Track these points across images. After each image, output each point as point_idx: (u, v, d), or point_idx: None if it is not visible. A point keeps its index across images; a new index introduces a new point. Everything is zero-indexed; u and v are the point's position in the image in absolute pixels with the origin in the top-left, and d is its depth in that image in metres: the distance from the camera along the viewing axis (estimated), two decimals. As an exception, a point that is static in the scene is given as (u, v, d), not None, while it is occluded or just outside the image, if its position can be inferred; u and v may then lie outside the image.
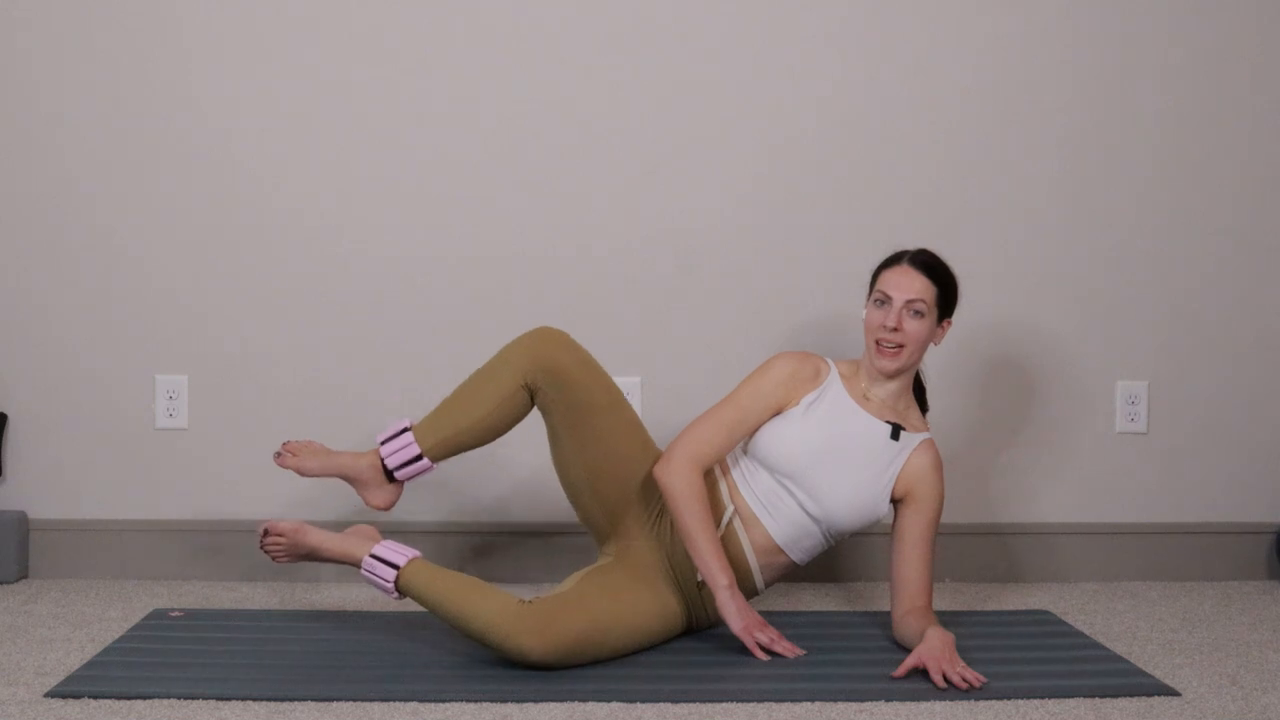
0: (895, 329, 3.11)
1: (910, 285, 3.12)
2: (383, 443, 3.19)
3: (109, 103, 3.69)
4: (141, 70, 3.69)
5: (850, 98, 3.79)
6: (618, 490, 3.19)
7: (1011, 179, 3.82)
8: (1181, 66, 3.83)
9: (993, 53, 3.80)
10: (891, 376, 3.17)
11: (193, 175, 3.71)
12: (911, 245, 3.25)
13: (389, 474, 3.19)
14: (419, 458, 3.16)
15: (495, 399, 3.14)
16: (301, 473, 3.23)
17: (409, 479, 3.21)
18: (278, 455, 3.24)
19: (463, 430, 3.16)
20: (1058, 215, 3.83)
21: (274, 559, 3.17)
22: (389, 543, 3.06)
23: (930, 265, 3.15)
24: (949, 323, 3.20)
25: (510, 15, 3.74)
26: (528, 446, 3.63)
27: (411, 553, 3.03)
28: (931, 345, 3.19)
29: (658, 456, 3.21)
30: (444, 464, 3.74)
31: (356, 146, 3.74)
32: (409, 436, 3.15)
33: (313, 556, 3.15)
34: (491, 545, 3.76)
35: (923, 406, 3.29)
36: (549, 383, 3.12)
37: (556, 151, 3.76)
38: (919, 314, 3.12)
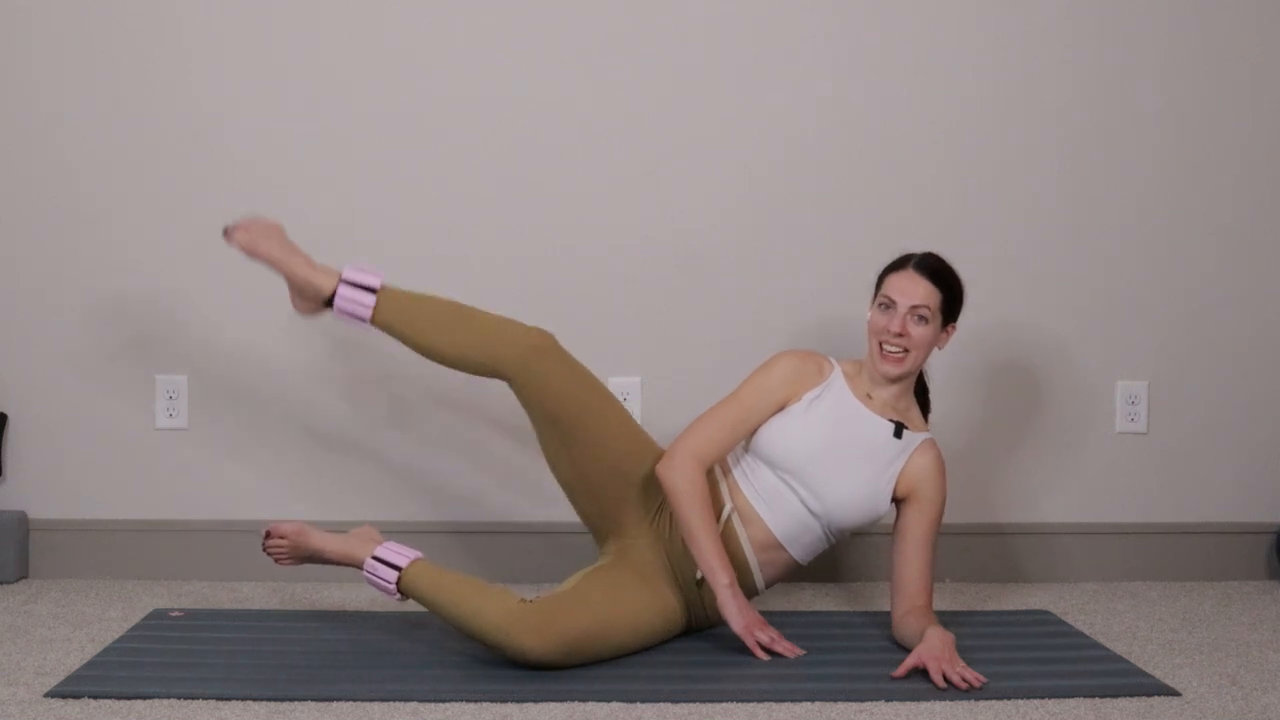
0: (899, 334, 3.11)
1: (915, 290, 3.12)
2: (346, 282, 3.16)
3: (109, 103, 3.69)
4: (141, 70, 3.70)
5: (850, 98, 3.79)
6: (612, 488, 3.19)
7: (1011, 179, 3.82)
8: (1181, 66, 3.83)
9: (993, 53, 3.80)
10: (894, 381, 3.17)
11: (193, 175, 3.71)
12: (912, 246, 3.25)
13: (328, 300, 3.19)
14: (364, 320, 3.17)
15: (460, 351, 3.16)
16: (250, 252, 3.20)
17: (339, 318, 3.21)
18: (226, 231, 3.22)
19: (416, 340, 3.18)
20: (1058, 215, 3.83)
21: (277, 562, 3.19)
22: (391, 544, 3.07)
23: (936, 270, 3.15)
24: (954, 328, 3.19)
25: (510, 15, 3.74)
26: (527, 445, 3.63)
27: (413, 554, 3.03)
28: (935, 349, 3.19)
29: (656, 453, 3.21)
30: (442, 467, 3.77)
31: (356, 147, 3.74)
32: (370, 299, 3.15)
33: (315, 559, 3.15)
34: (491, 545, 3.75)
35: (924, 409, 3.29)
36: (519, 384, 3.15)
37: (556, 151, 3.76)
38: (923, 319, 3.11)
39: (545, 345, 3.18)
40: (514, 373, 3.15)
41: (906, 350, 3.12)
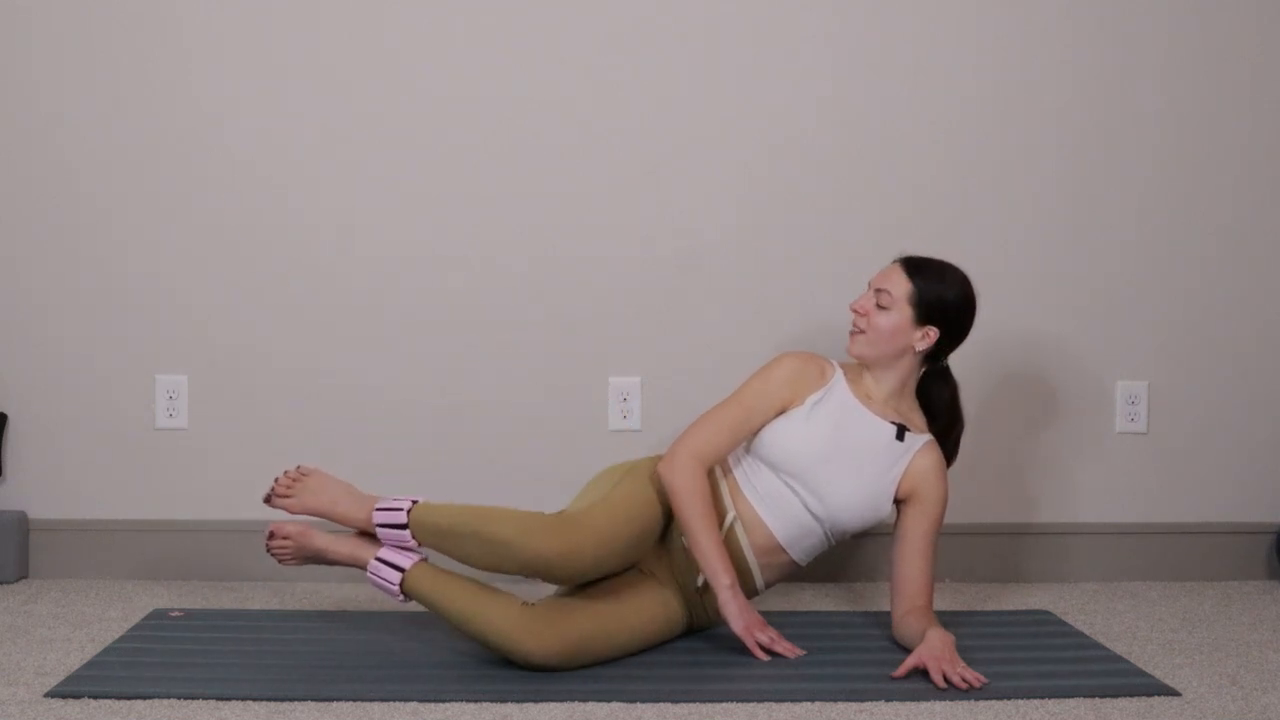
0: (857, 310, 3.15)
1: (885, 277, 3.16)
2: (381, 526, 3.08)
3: (109, 103, 3.69)
4: (141, 70, 3.69)
5: (850, 98, 3.79)
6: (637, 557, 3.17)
7: (1011, 179, 3.82)
8: (1181, 66, 3.83)
9: (993, 53, 3.80)
10: (859, 360, 3.17)
11: (193, 175, 3.71)
12: (912, 246, 3.27)
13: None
14: (414, 549, 3.09)
15: (489, 571, 3.02)
16: (292, 513, 3.20)
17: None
18: (267, 498, 3.22)
19: (453, 568, 3.08)
20: (1058, 215, 3.83)
21: (280, 562, 3.19)
22: (395, 546, 3.06)
23: (916, 265, 3.16)
24: (935, 331, 3.15)
25: (510, 15, 3.74)
26: (527, 448, 3.63)
27: (417, 555, 3.04)
28: (913, 349, 3.16)
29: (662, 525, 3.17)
30: (442, 467, 3.77)
31: (356, 147, 3.74)
32: (407, 535, 3.05)
33: (319, 559, 3.15)
34: (491, 545, 3.75)
35: (952, 443, 3.26)
36: (547, 578, 3.00)
37: (556, 151, 3.76)
38: (884, 306, 3.13)
39: (562, 550, 2.95)
40: (540, 576, 3.01)
41: (863, 331, 3.14)
